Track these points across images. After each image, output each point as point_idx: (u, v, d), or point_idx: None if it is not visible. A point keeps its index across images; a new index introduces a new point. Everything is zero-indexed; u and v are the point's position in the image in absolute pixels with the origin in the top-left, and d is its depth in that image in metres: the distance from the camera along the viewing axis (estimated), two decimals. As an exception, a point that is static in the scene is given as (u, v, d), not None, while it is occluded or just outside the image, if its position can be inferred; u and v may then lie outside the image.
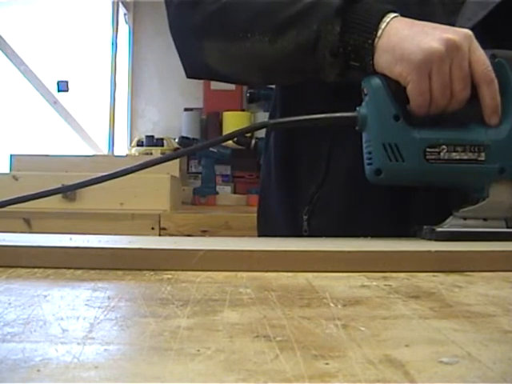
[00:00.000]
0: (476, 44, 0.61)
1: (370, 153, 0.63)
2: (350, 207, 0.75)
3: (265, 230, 0.89)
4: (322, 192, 0.76)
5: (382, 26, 0.62)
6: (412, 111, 0.62)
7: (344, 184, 0.75)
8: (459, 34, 0.60)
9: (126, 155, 2.74)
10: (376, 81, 0.63)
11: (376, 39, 0.62)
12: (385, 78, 0.62)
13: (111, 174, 0.63)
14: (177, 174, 1.99)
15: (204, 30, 0.71)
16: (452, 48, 0.59)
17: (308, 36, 0.64)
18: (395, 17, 0.63)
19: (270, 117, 0.87)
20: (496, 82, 0.61)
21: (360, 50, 0.63)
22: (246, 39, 0.67)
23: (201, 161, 2.43)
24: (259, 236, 0.90)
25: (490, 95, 0.61)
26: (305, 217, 0.77)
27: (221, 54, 0.71)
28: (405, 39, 0.61)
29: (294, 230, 0.78)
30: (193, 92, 3.00)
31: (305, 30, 0.64)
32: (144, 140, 2.75)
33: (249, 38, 0.67)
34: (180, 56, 0.77)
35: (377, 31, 0.62)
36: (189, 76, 0.79)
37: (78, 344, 0.27)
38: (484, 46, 0.61)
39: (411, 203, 0.72)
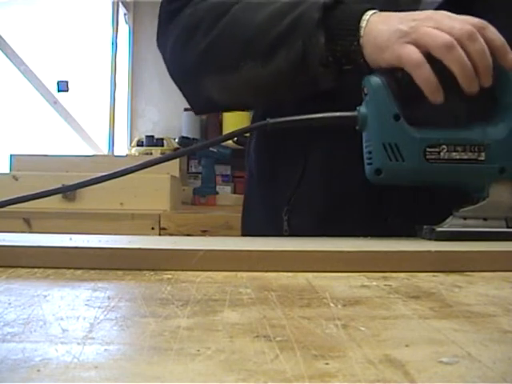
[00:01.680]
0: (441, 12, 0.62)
1: (370, 152, 0.63)
2: (327, 207, 0.76)
3: (249, 229, 0.90)
4: (300, 192, 0.77)
5: (363, 24, 0.63)
6: (431, 102, 0.60)
7: (320, 184, 0.76)
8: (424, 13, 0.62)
9: (126, 155, 2.74)
10: (376, 80, 0.63)
11: (361, 39, 0.63)
12: (385, 77, 0.62)
13: (111, 174, 0.63)
14: (177, 174, 1.98)
15: (199, 68, 0.74)
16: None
17: (296, 53, 0.65)
18: (374, 13, 0.64)
19: (254, 116, 0.87)
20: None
21: (349, 53, 0.64)
22: (240, 68, 0.69)
23: (201, 161, 2.42)
24: (243, 235, 0.91)
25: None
26: (285, 217, 0.78)
27: (220, 87, 0.73)
28: (384, 29, 0.62)
29: (276, 230, 0.79)
30: (193, 92, 2.99)
31: (291, 48, 0.66)
32: (144, 140, 2.75)
33: (242, 67, 0.69)
34: (184, 96, 0.80)
35: (359, 31, 0.63)
36: (197, 113, 0.84)
37: (78, 344, 0.27)
38: None
39: (389, 202, 0.72)
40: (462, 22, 0.60)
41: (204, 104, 0.80)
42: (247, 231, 0.90)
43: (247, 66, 0.69)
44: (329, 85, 0.67)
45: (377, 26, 0.63)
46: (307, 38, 0.64)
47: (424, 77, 0.59)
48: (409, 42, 0.60)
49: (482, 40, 0.59)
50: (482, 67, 0.60)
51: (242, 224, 0.93)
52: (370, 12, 0.64)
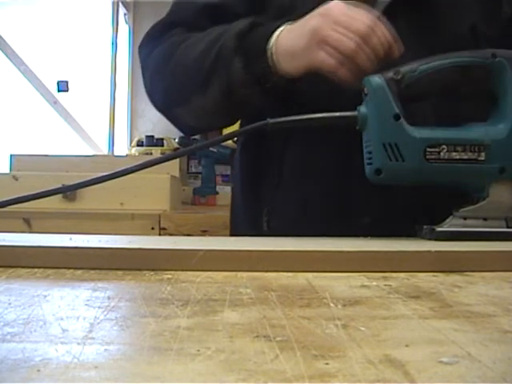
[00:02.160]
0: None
1: (370, 152, 0.63)
2: (302, 209, 0.78)
3: (235, 230, 0.93)
4: (278, 195, 0.79)
5: (273, 40, 0.67)
6: (346, 85, 0.64)
7: (296, 186, 0.78)
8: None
9: (126, 155, 2.73)
10: (376, 80, 0.63)
11: (273, 56, 0.67)
12: (385, 77, 0.62)
13: (111, 174, 0.63)
14: (177, 174, 1.98)
15: (167, 104, 0.83)
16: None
17: (223, 82, 0.71)
18: (283, 29, 0.68)
19: (241, 120, 0.89)
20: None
21: (265, 73, 0.68)
22: (191, 100, 0.76)
23: (201, 161, 2.42)
24: (231, 235, 0.93)
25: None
26: (265, 218, 0.81)
27: (188, 115, 0.80)
28: (290, 38, 0.66)
29: (256, 231, 0.81)
30: (193, 92, 2.99)
31: (218, 77, 0.72)
32: (144, 140, 2.75)
33: (192, 98, 0.76)
34: (174, 125, 0.87)
35: (268, 50, 0.67)
36: (189, 137, 0.96)
37: (78, 344, 0.27)
38: None
39: (361, 202, 0.74)
40: (358, 23, 0.63)
41: (187, 129, 0.88)
42: (234, 232, 0.93)
43: (195, 97, 0.75)
44: (264, 101, 0.71)
45: (285, 38, 0.67)
46: (228, 66, 0.70)
47: (343, 77, 0.64)
48: (318, 46, 0.64)
49: (376, 36, 0.64)
50: (384, 54, 0.65)
51: (230, 224, 0.96)
52: (281, 28, 0.68)
